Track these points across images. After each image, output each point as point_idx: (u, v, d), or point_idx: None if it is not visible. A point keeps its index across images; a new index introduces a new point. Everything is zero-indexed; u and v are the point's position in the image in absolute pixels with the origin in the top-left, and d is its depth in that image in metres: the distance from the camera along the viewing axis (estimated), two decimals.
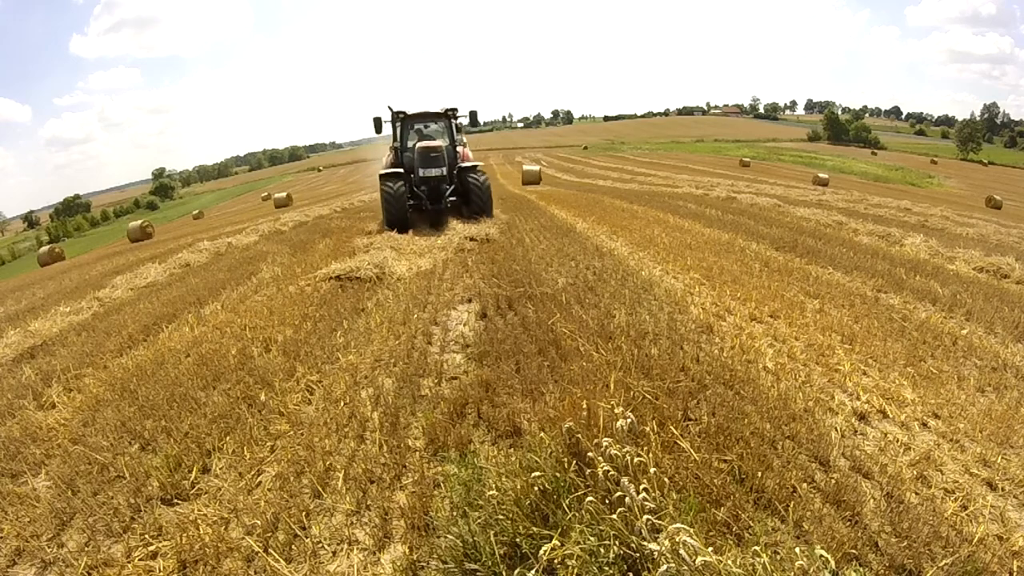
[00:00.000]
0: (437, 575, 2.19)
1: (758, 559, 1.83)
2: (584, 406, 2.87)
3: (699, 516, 2.25)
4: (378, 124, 11.99)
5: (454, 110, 12.27)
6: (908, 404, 3.46)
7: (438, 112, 12.31)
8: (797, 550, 2.02)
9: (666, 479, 2.39)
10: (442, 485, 2.76)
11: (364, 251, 9.08)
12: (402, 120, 12.14)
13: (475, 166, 11.99)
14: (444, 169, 11.41)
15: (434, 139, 12.34)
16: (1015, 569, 2.13)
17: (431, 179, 11.45)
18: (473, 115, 12.65)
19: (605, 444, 2.39)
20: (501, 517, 2.29)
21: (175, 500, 2.87)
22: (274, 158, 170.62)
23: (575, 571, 1.99)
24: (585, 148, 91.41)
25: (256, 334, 5.22)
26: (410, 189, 11.39)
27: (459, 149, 12.48)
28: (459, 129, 12.79)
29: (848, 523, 2.35)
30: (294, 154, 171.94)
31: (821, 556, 1.84)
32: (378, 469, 2.93)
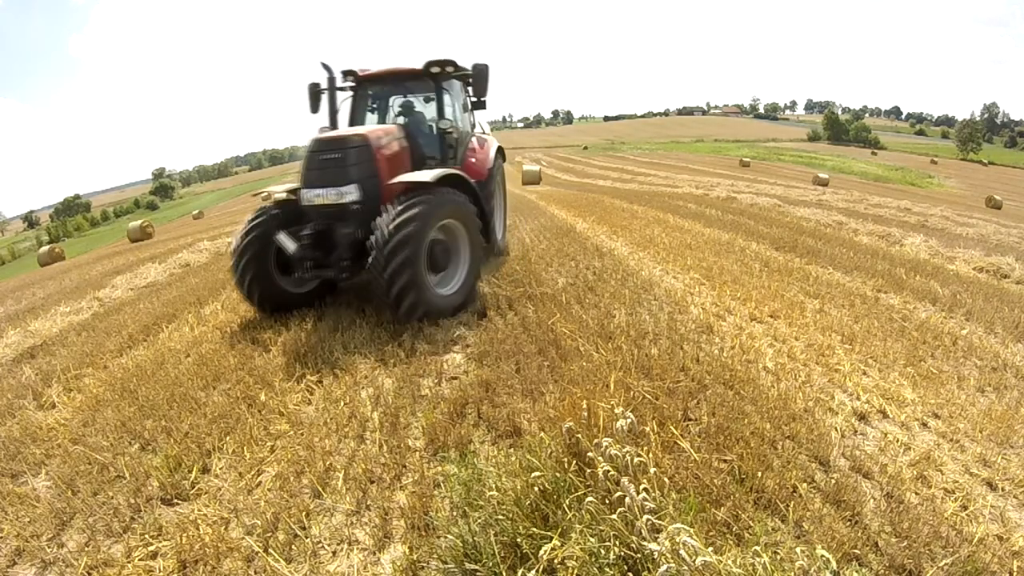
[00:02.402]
0: (437, 575, 2.19)
1: (758, 559, 1.83)
2: (584, 406, 2.87)
3: (699, 516, 2.25)
4: (316, 96, 6.36)
5: (447, 64, 6.27)
6: (908, 404, 3.46)
7: (414, 70, 6.41)
8: (798, 550, 2.02)
9: (666, 479, 2.39)
10: (442, 485, 2.76)
11: None
12: (353, 88, 6.67)
13: (418, 196, 5.02)
14: (355, 190, 5.13)
15: (420, 121, 6.70)
16: (1015, 569, 2.13)
17: (322, 212, 5.25)
18: (480, 73, 6.27)
19: (605, 444, 2.39)
20: (501, 517, 2.29)
21: (175, 500, 2.87)
22: (274, 158, 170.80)
23: (575, 571, 1.98)
24: (585, 148, 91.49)
25: (256, 333, 5.22)
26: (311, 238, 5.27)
27: (476, 140, 7.23)
28: (468, 106, 7.16)
29: (848, 523, 2.35)
30: (294, 154, 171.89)
31: (823, 556, 1.84)
32: (378, 469, 2.93)
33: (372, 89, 6.87)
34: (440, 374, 4.11)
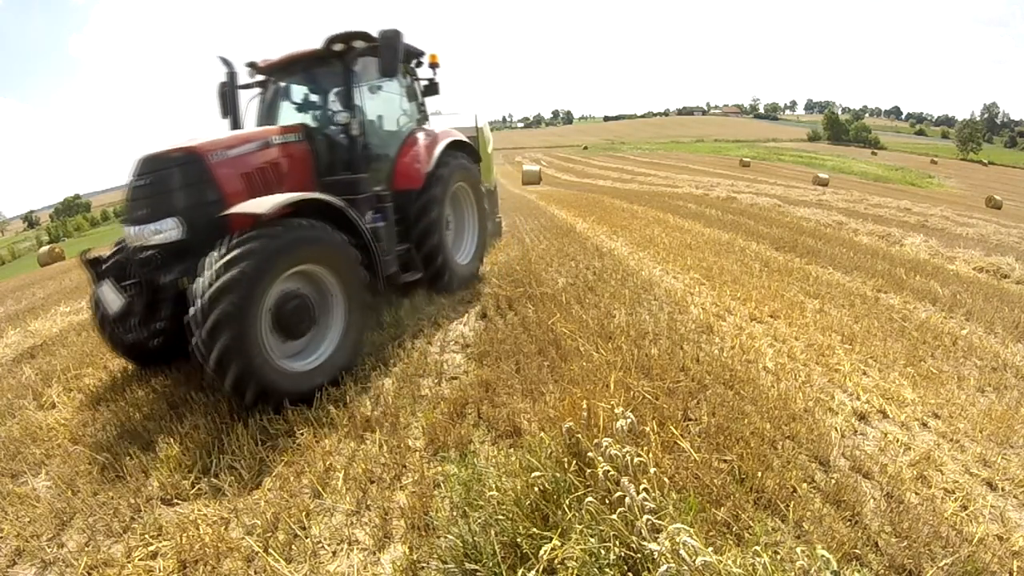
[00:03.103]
0: (437, 575, 2.19)
1: (758, 559, 1.83)
2: (584, 406, 2.87)
3: (699, 516, 2.25)
4: (228, 96, 5.47)
5: (355, 38, 5.01)
6: (908, 404, 3.46)
7: (317, 52, 5.08)
8: (798, 550, 2.02)
9: (666, 479, 2.39)
10: (442, 485, 2.76)
11: None
12: (262, 83, 5.65)
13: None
14: (175, 225, 3.88)
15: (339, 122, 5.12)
16: (1015, 569, 2.13)
17: (139, 256, 3.92)
18: (388, 41, 4.90)
19: (605, 444, 2.39)
20: (501, 517, 2.29)
21: (175, 500, 2.86)
22: None
23: (575, 571, 1.98)
24: (585, 148, 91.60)
25: None
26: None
27: (422, 135, 5.85)
28: (416, 94, 6.05)
29: (848, 523, 2.35)
30: None
31: (823, 556, 1.84)
32: (378, 469, 2.93)
33: (285, 80, 5.62)
34: (440, 374, 4.11)
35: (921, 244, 9.07)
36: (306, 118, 5.43)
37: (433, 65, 6.09)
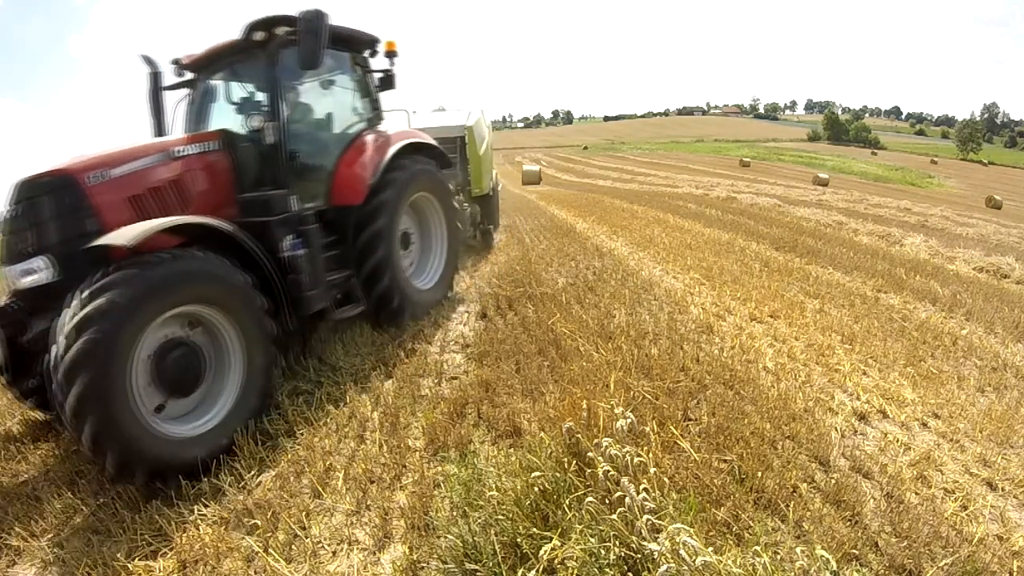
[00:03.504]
0: (437, 575, 2.19)
1: (758, 559, 1.83)
2: (584, 406, 2.87)
3: (699, 516, 2.25)
4: (157, 96, 4.82)
5: (277, 24, 4.25)
6: (908, 404, 3.46)
7: (236, 44, 4.38)
8: (798, 550, 2.02)
9: (666, 479, 2.39)
10: (442, 485, 2.76)
11: None
12: (191, 83, 4.92)
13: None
14: (45, 266, 3.21)
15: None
16: (1015, 569, 2.13)
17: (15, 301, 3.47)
18: (308, 24, 4.04)
19: (605, 444, 2.39)
20: (501, 517, 2.29)
21: (175, 500, 2.86)
22: None
23: (575, 571, 1.98)
24: (585, 148, 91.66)
25: None
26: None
27: (370, 137, 5.16)
28: (369, 89, 5.31)
29: (848, 523, 2.34)
30: None
31: (823, 556, 1.84)
32: (378, 469, 2.93)
33: (211, 78, 4.87)
34: (440, 374, 4.11)
35: (921, 244, 9.08)
36: (237, 122, 4.64)
37: (390, 54, 5.26)
